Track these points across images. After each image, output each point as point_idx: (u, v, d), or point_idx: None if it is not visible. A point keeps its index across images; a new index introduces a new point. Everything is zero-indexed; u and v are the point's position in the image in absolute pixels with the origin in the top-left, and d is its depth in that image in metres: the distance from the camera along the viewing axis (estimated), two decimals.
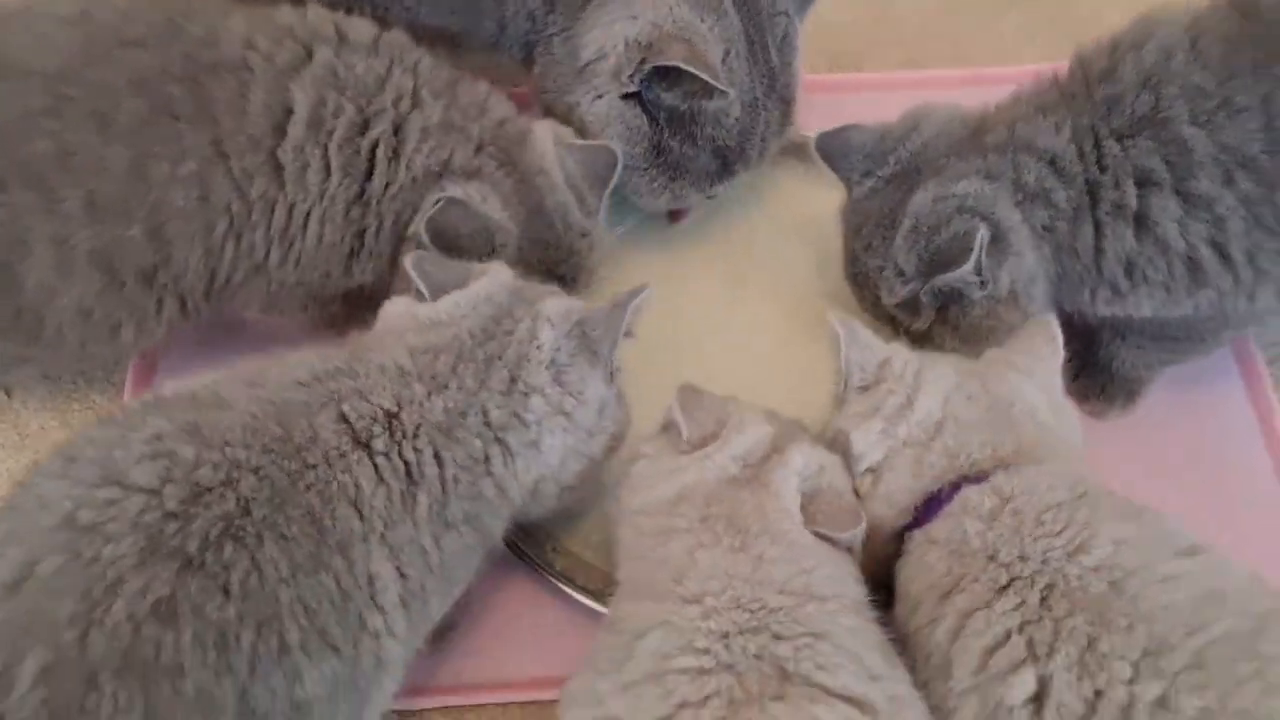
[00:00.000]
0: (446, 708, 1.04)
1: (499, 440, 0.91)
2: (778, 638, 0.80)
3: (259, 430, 0.82)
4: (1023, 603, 0.82)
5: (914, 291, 1.07)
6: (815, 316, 1.15)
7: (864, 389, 1.00)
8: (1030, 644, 0.80)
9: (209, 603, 0.75)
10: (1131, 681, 0.76)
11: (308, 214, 1.04)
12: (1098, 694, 0.76)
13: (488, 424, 0.91)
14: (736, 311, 1.24)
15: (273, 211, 1.03)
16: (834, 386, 1.04)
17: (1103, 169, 1.02)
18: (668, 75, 1.10)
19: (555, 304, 0.97)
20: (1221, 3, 1.03)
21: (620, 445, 1.02)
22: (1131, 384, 1.19)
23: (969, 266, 1.01)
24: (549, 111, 1.20)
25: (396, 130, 1.06)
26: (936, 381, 0.98)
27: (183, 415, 0.82)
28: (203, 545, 0.76)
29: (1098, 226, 1.03)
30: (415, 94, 1.07)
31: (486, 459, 0.91)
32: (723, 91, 1.08)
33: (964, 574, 0.86)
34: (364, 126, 1.04)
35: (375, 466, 0.85)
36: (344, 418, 0.86)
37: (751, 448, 0.95)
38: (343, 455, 0.84)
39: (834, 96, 1.37)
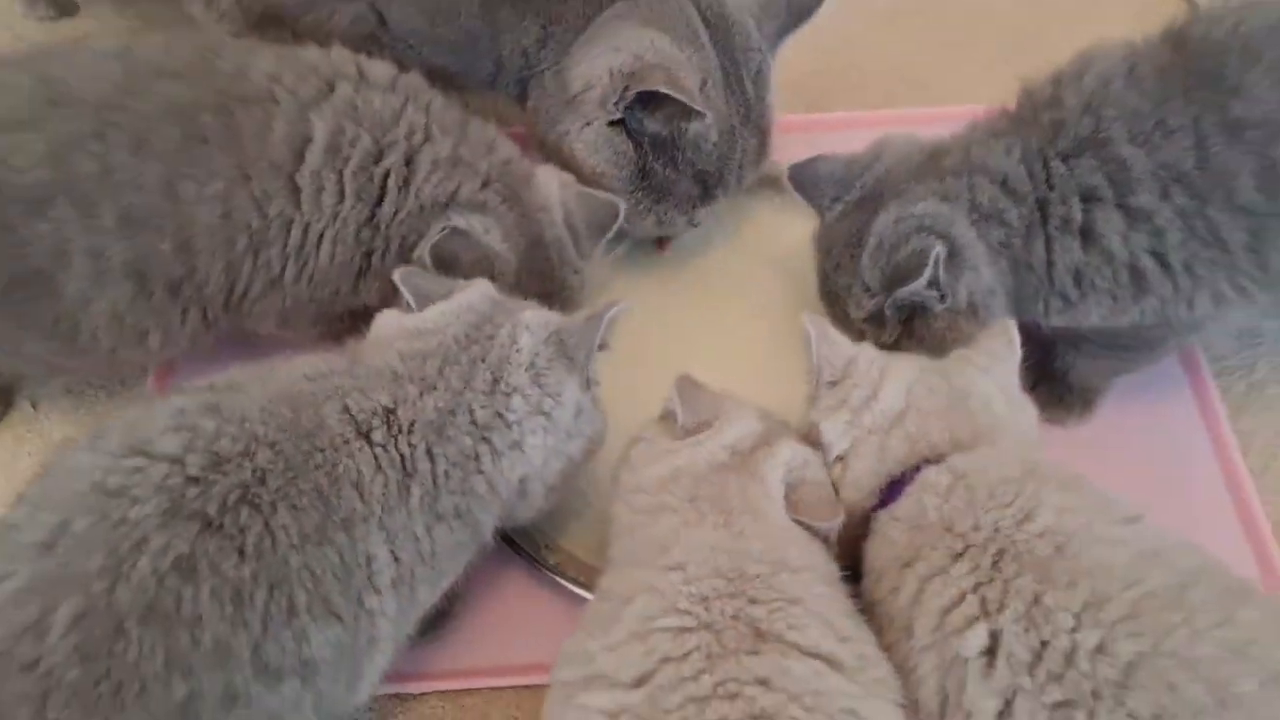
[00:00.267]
0: (444, 692, 1.09)
1: (486, 439, 0.97)
2: (753, 601, 0.86)
3: (273, 412, 0.89)
4: (976, 567, 0.88)
5: (879, 305, 1.14)
6: (791, 334, 1.19)
7: (833, 384, 1.06)
8: (983, 602, 0.86)
9: (226, 561, 0.82)
10: (1073, 631, 0.82)
11: (321, 234, 1.11)
12: (1043, 644, 0.82)
13: (474, 423, 0.96)
14: (718, 331, 1.31)
15: (289, 230, 1.10)
16: (807, 384, 1.09)
17: (1051, 187, 1.10)
18: (649, 101, 1.18)
19: (534, 314, 1.03)
20: (1154, 37, 1.12)
21: (597, 451, 1.07)
22: (1087, 393, 1.25)
23: (923, 280, 1.09)
24: (543, 144, 1.28)
25: (408, 161, 1.13)
26: (899, 375, 1.04)
27: (203, 397, 0.90)
28: (221, 509, 0.83)
29: (1048, 240, 1.10)
30: (427, 129, 1.15)
31: (476, 456, 0.96)
32: (700, 114, 1.17)
33: (923, 544, 0.92)
34: (378, 156, 1.12)
35: (375, 456, 0.91)
36: (347, 410, 0.92)
37: (742, 437, 1.02)
38: (346, 443, 0.91)
39: (809, 135, 1.44)
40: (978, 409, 1.02)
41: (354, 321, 1.17)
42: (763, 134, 1.29)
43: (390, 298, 1.15)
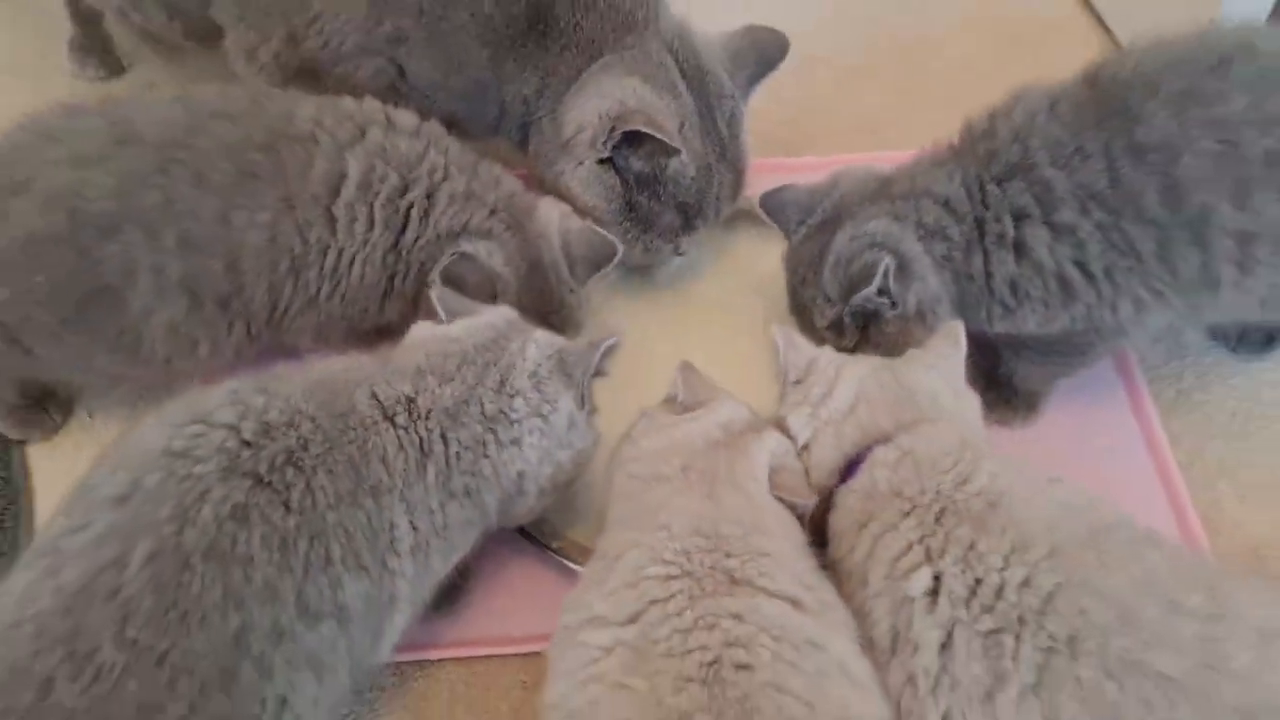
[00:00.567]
0: (459, 659, 1.20)
1: (492, 430, 1.08)
2: (728, 555, 0.97)
3: (313, 393, 1.02)
4: (921, 522, 0.99)
5: (839, 314, 1.27)
6: (768, 348, 1.31)
7: (797, 383, 1.18)
8: (927, 550, 0.97)
9: (274, 513, 0.94)
10: (1003, 570, 0.94)
11: (353, 258, 1.24)
12: (978, 581, 0.94)
13: (483, 414, 1.08)
14: (703, 347, 1.38)
15: (326, 255, 1.23)
16: (777, 385, 1.23)
17: (986, 207, 1.22)
18: (633, 141, 1.32)
19: (544, 334, 1.16)
20: (1075, 76, 1.25)
21: (587, 465, 1.18)
22: (1031, 396, 1.37)
23: (873, 288, 1.21)
24: (543, 183, 1.41)
25: (429, 196, 1.26)
26: (852, 373, 1.15)
27: (253, 381, 1.03)
28: (270, 468, 0.95)
29: (985, 254, 1.23)
30: (446, 169, 1.28)
31: (484, 443, 1.08)
32: (676, 150, 1.30)
33: (876, 509, 1.03)
34: (404, 190, 1.25)
35: (398, 437, 1.03)
36: (375, 395, 1.05)
37: (734, 419, 1.14)
38: (374, 424, 1.03)
39: (779, 176, 1.47)
40: (923, 399, 1.13)
41: (379, 338, 1.27)
42: (738, 171, 1.42)
43: (410, 316, 1.27)
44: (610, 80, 1.34)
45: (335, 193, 1.23)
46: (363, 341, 1.29)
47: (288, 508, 0.95)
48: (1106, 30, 1.89)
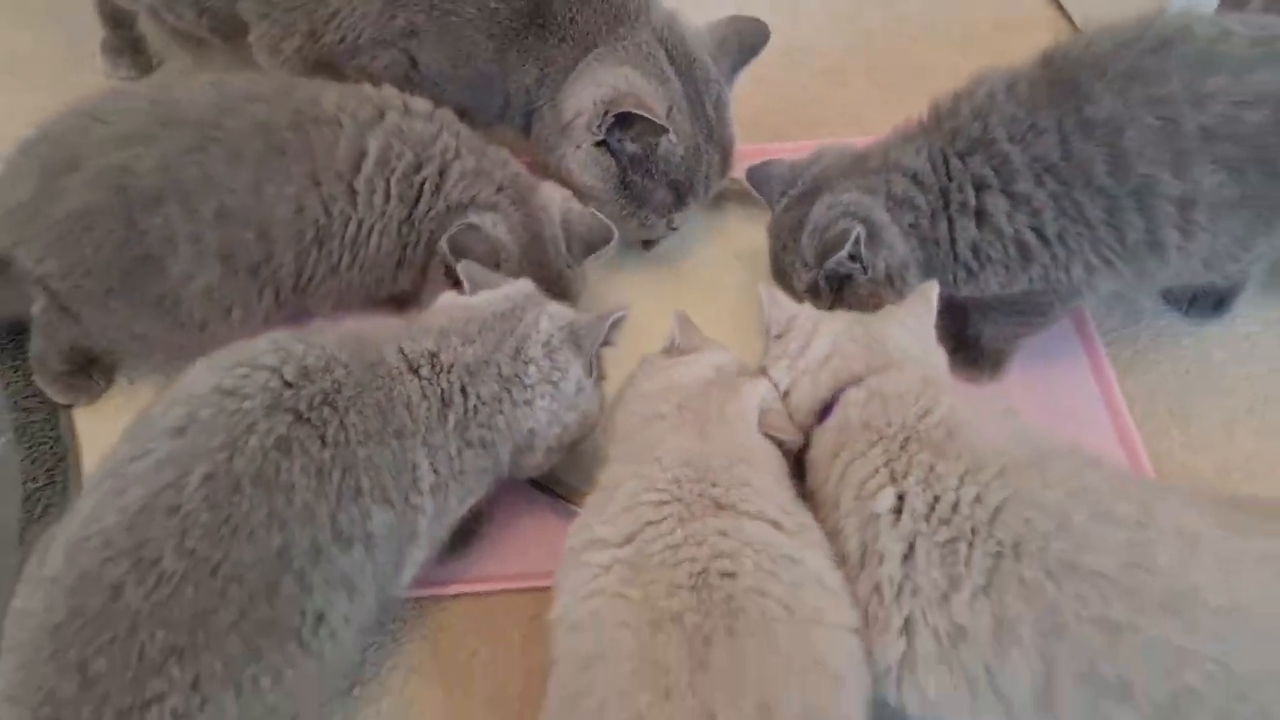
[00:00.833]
0: (475, 594, 1.30)
1: (507, 390, 1.17)
2: (714, 485, 1.06)
3: (346, 344, 1.13)
4: (887, 450, 1.09)
5: (815, 278, 1.38)
6: (755, 315, 1.39)
7: (779, 337, 1.27)
8: (891, 473, 1.07)
9: (312, 445, 1.05)
10: (958, 488, 1.04)
11: (371, 229, 1.34)
12: (936, 499, 1.04)
13: (500, 375, 1.17)
14: (696, 316, 1.42)
15: (347, 226, 1.33)
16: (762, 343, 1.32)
17: (950, 179, 1.33)
18: (625, 123, 1.42)
19: (558, 307, 1.25)
20: (1034, 58, 1.36)
21: (592, 428, 1.26)
22: (997, 355, 1.47)
23: (844, 253, 1.32)
24: (545, 167, 1.52)
25: (441, 172, 1.36)
26: (828, 328, 1.24)
27: (292, 333, 1.14)
28: (309, 406, 1.06)
29: (950, 221, 1.34)
30: (457, 149, 1.38)
31: (499, 400, 1.17)
32: (664, 129, 1.40)
33: (847, 440, 1.12)
34: (418, 167, 1.35)
35: (421, 387, 1.13)
36: (402, 350, 1.14)
37: (727, 362, 1.23)
38: (400, 374, 1.13)
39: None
40: (892, 348, 1.22)
41: (392, 308, 1.39)
42: (725, 150, 1.52)
43: (420, 286, 1.39)
44: (604, 69, 1.45)
45: (356, 169, 1.33)
46: (378, 311, 1.38)
47: (324, 441, 1.06)
48: (1075, 27, 2.01)
